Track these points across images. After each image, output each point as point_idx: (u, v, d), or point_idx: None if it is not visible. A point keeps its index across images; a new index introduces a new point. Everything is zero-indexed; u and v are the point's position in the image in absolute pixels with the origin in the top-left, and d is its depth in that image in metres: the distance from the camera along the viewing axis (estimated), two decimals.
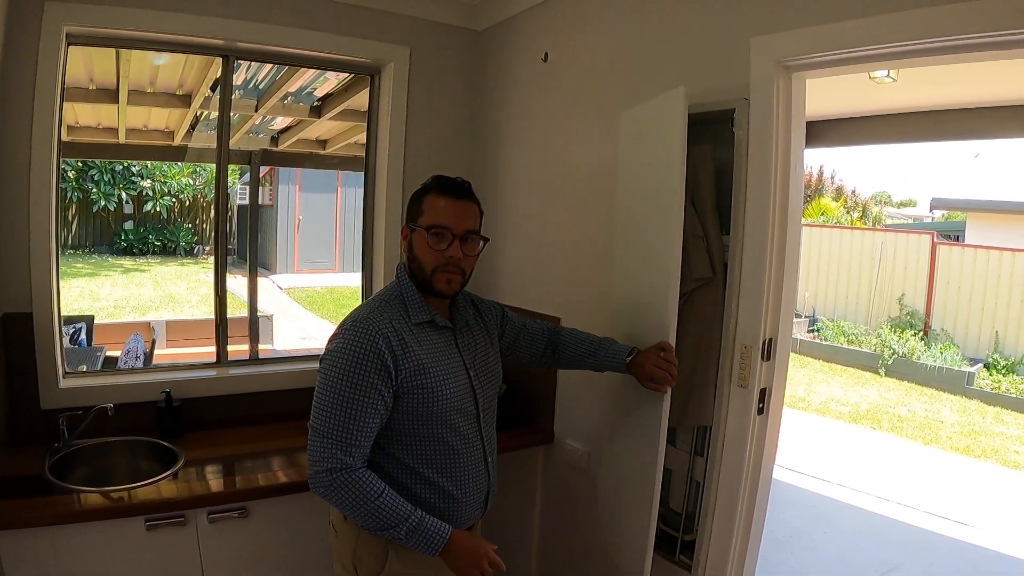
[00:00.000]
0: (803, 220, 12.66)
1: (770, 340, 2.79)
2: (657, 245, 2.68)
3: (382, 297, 2.24)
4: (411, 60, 4.19)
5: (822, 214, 19.59)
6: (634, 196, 2.99)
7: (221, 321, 4.00)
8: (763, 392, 2.82)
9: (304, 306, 15.29)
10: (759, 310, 2.76)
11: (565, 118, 3.72)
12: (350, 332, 2.09)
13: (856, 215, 22.32)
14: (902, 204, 33.02)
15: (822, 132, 6.12)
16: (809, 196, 22.40)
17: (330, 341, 2.15)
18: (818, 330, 14.69)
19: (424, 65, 4.25)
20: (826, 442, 8.58)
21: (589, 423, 3.56)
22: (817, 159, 25.02)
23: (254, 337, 4.35)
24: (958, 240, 16.01)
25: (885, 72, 4.39)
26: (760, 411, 2.83)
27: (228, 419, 3.79)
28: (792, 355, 12.88)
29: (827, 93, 5.08)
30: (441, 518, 2.10)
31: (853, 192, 25.75)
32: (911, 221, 23.06)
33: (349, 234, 18.61)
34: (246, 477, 3.12)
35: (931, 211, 18.44)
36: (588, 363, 2.69)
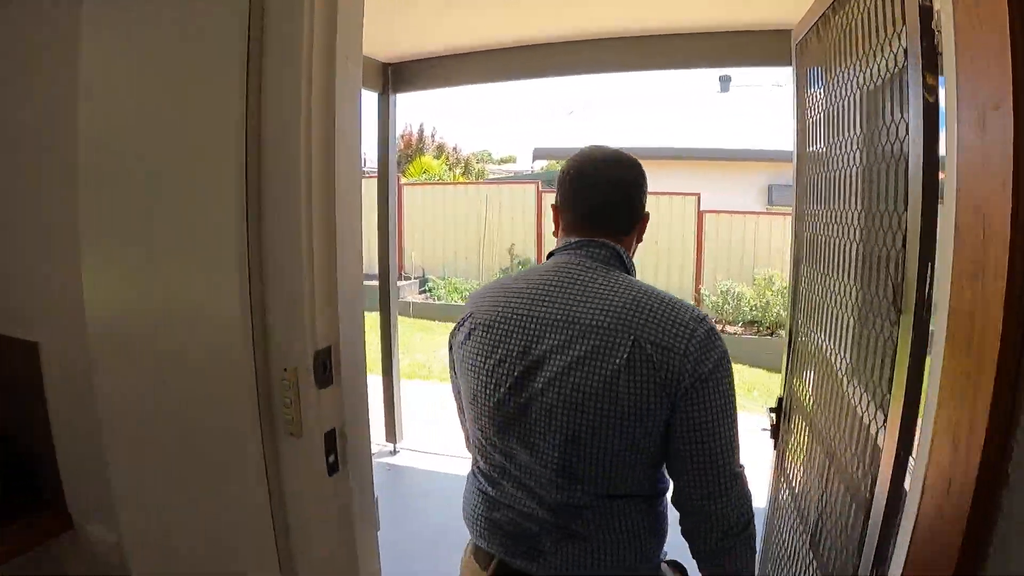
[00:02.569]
0: (404, 179, 11.96)
1: (328, 350, 1.64)
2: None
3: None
4: None
5: (424, 172, 19.04)
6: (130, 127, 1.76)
7: None
8: (330, 437, 1.67)
9: None
10: (297, 307, 1.61)
11: None
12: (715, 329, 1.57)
13: (459, 171, 22.17)
14: (502, 161, 34.24)
15: (417, 74, 5.60)
16: (410, 155, 22.04)
17: (707, 338, 1.53)
18: (430, 290, 14.16)
19: None
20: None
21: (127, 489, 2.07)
22: (416, 117, 24.72)
23: None
24: None
25: None
26: (332, 468, 1.67)
27: None
28: (407, 319, 12.50)
29: (418, 29, 4.78)
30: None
31: (455, 149, 25.73)
32: (513, 175, 23.41)
33: None
34: None
35: (533, 161, 18.58)
36: None
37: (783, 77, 24.89)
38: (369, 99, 5.70)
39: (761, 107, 18.94)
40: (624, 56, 4.72)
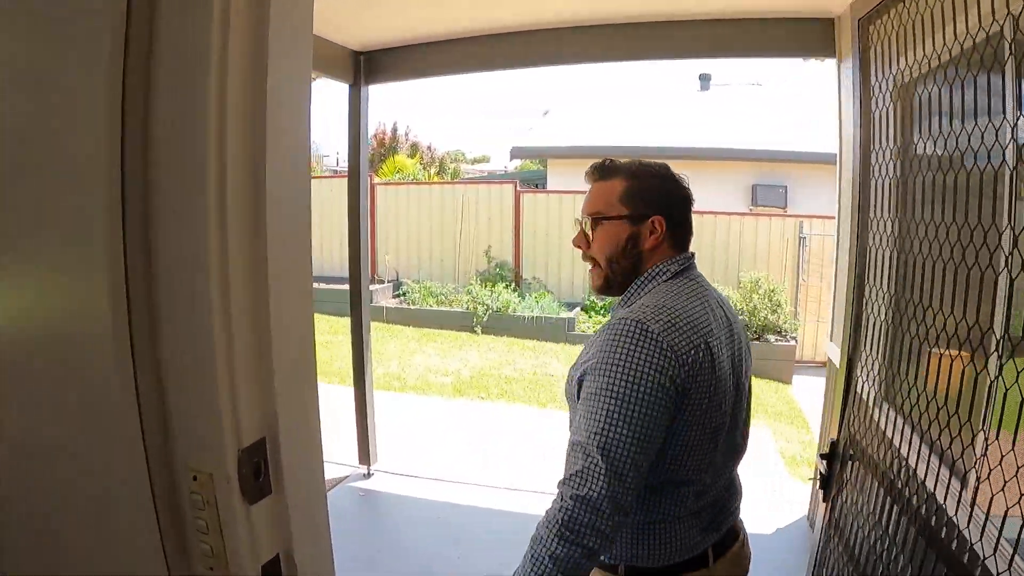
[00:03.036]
0: (377, 179, 11.45)
1: (261, 445, 1.05)
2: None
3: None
4: None
5: (398, 171, 18.43)
6: None
7: None
8: (272, 570, 1.08)
9: None
10: (207, 381, 1.02)
11: None
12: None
13: (433, 171, 21.62)
14: (476, 160, 34.06)
15: (392, 63, 5.18)
16: (384, 154, 21.48)
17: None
18: (404, 294, 13.55)
19: None
20: (436, 430, 7.18)
21: None
22: (389, 115, 24.31)
23: None
24: (537, 187, 15.85)
25: None
26: None
27: None
28: (380, 325, 11.87)
29: (393, 15, 4.46)
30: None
31: (429, 148, 25.21)
32: (487, 175, 22.94)
33: None
34: None
35: (511, 159, 18.11)
36: None
37: (762, 75, 24.62)
38: (340, 91, 5.27)
39: (742, 106, 18.61)
40: (628, 43, 4.35)
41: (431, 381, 9.17)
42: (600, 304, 12.16)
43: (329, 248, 14.09)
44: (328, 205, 13.13)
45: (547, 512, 1.59)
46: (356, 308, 5.50)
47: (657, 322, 1.63)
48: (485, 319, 11.84)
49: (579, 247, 1.94)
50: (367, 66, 5.14)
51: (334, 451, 5.45)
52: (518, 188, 13.49)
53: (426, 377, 9.37)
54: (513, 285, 13.04)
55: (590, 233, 1.91)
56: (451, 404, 8.25)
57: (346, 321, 5.62)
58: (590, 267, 1.93)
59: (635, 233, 1.83)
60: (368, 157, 5.51)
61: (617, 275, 1.87)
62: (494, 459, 6.23)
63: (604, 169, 1.93)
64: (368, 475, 5.62)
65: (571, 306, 12.35)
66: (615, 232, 1.86)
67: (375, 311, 12.81)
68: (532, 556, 1.55)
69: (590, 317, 11.93)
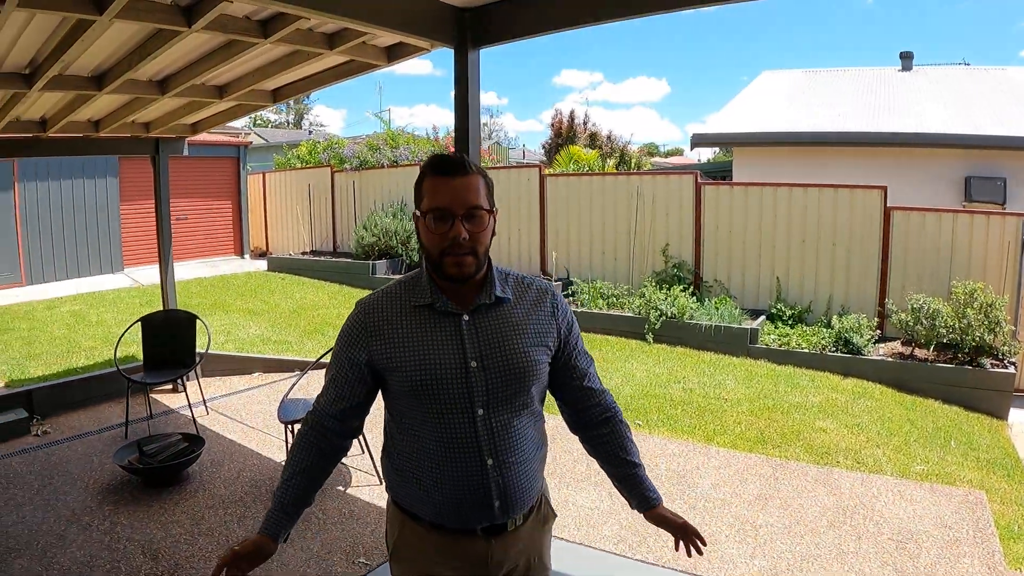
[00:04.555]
0: (548, 171, 10.25)
1: None
2: None
3: (402, 278, 2.31)
4: None
5: (574, 162, 17.35)
6: None
7: None
8: None
9: None
10: None
11: None
12: (354, 308, 2.28)
13: (613, 161, 20.37)
14: (669, 153, 32.79)
15: (503, 16, 4.17)
16: (560, 144, 20.53)
17: None
18: (573, 294, 12.46)
19: None
20: (573, 471, 5.97)
21: None
22: (566, 105, 23.51)
23: None
24: (724, 180, 14.43)
25: None
26: None
27: None
28: None
29: None
30: (413, 501, 2.23)
31: (609, 137, 24.02)
32: (671, 168, 21.52)
33: (35, 239, 15.94)
34: None
35: (692, 148, 16.66)
36: (608, 462, 2.49)
37: (972, 54, 22.08)
38: (443, 59, 4.30)
39: (949, 87, 16.55)
40: None
41: None
42: (789, 313, 10.73)
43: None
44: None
45: (620, 412, 2.46)
46: None
47: None
48: (658, 326, 10.59)
49: (479, 234, 2.13)
50: (473, 24, 4.17)
51: None
52: (699, 180, 12.07)
53: None
54: (691, 288, 11.70)
55: (487, 220, 2.17)
56: None
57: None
58: (460, 256, 2.09)
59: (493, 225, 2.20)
60: (479, 140, 4.43)
61: (482, 263, 2.18)
62: (639, 516, 5.02)
63: (466, 164, 2.14)
64: None
65: (755, 314, 10.93)
66: (491, 225, 2.18)
67: None
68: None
69: (776, 328, 10.47)
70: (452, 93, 4.32)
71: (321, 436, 2.24)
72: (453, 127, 4.46)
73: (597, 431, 2.44)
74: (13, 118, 6.15)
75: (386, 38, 4.69)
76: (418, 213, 2.16)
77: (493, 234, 2.18)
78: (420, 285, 2.20)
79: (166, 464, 5.60)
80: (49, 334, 11.18)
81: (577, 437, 2.55)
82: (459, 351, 2.15)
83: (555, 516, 2.44)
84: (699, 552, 2.35)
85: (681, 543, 2.38)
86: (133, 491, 5.57)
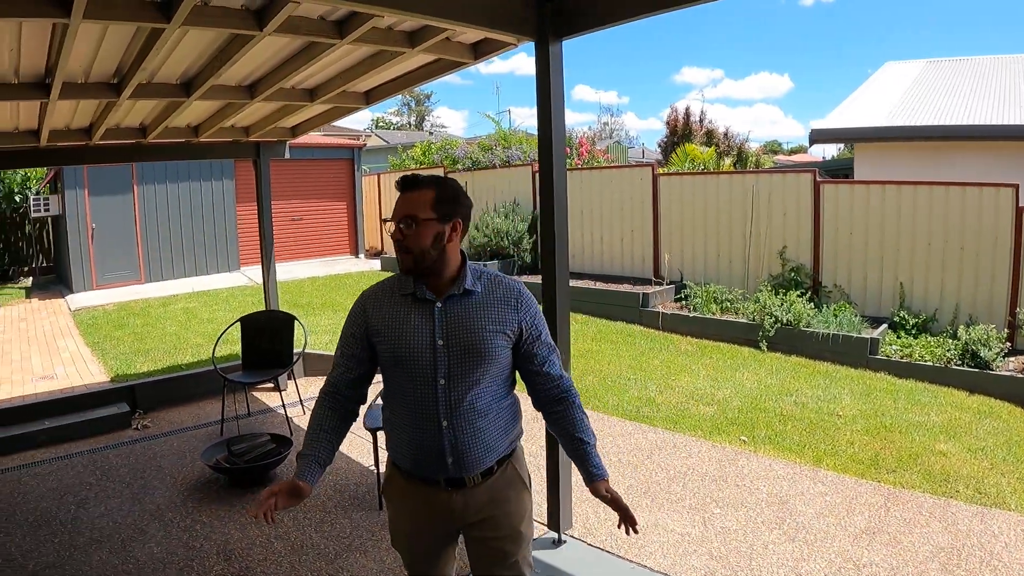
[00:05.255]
0: (661, 170, 9.85)
1: None
2: None
3: (397, 274, 2.74)
4: None
5: (689, 160, 16.87)
6: None
7: None
8: None
9: (82, 332, 12.13)
10: None
11: None
12: (358, 297, 2.80)
13: (730, 160, 19.77)
14: (793, 151, 31.97)
15: (589, 4, 3.98)
16: (676, 141, 20.05)
17: None
18: (686, 298, 12.09)
19: None
20: (668, 489, 5.35)
21: None
22: (683, 102, 23.06)
23: None
24: (846, 177, 13.76)
25: None
26: None
27: None
28: (653, 333, 10.42)
29: None
30: (396, 453, 2.73)
31: (726, 135, 23.37)
32: (793, 165, 20.74)
33: (153, 238, 16.85)
34: None
35: (811, 145, 15.95)
36: (562, 436, 2.84)
37: None
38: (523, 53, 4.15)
39: None
40: None
41: (689, 411, 7.67)
42: (912, 322, 10.07)
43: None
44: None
45: (576, 396, 2.83)
46: (550, 319, 4.32)
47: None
48: (772, 333, 10.14)
49: (412, 237, 2.57)
50: (555, 14, 4.03)
51: None
52: (817, 178, 11.45)
53: (685, 405, 7.88)
54: (809, 293, 11.15)
55: (410, 228, 2.60)
56: (701, 449, 6.45)
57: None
58: (402, 253, 2.60)
59: (441, 232, 2.59)
60: (564, 135, 4.22)
61: (421, 259, 2.58)
62: (734, 546, 4.72)
63: (415, 181, 2.63)
64: (558, 542, 4.50)
65: (875, 322, 10.32)
66: (431, 230, 2.58)
67: (650, 316, 11.54)
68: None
69: (899, 337, 9.81)
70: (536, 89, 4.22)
71: (338, 400, 2.71)
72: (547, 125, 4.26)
73: (552, 408, 2.84)
74: (112, 125, 6.31)
75: (469, 34, 4.63)
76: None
77: (444, 239, 2.59)
78: (407, 279, 2.67)
79: (252, 464, 5.67)
80: (161, 330, 11.67)
81: (551, 428, 2.98)
82: (430, 331, 2.61)
83: (527, 487, 2.81)
84: (635, 531, 2.68)
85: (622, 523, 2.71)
86: (218, 490, 5.69)
